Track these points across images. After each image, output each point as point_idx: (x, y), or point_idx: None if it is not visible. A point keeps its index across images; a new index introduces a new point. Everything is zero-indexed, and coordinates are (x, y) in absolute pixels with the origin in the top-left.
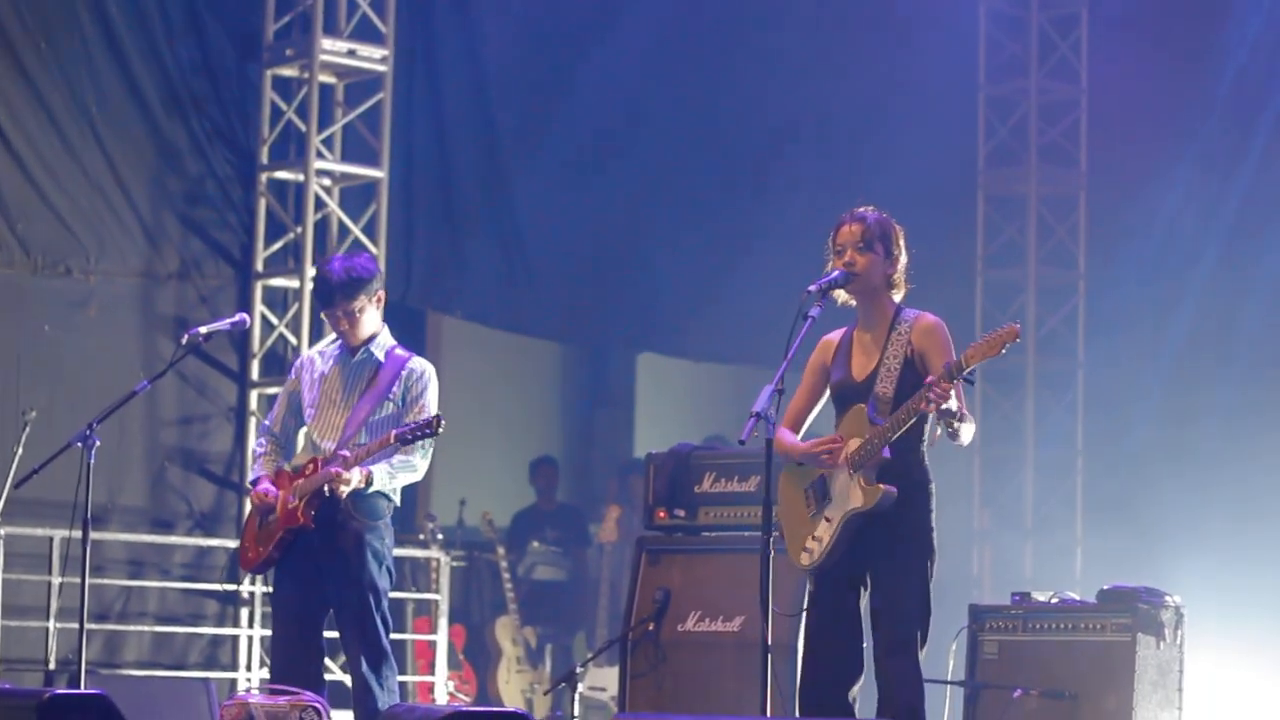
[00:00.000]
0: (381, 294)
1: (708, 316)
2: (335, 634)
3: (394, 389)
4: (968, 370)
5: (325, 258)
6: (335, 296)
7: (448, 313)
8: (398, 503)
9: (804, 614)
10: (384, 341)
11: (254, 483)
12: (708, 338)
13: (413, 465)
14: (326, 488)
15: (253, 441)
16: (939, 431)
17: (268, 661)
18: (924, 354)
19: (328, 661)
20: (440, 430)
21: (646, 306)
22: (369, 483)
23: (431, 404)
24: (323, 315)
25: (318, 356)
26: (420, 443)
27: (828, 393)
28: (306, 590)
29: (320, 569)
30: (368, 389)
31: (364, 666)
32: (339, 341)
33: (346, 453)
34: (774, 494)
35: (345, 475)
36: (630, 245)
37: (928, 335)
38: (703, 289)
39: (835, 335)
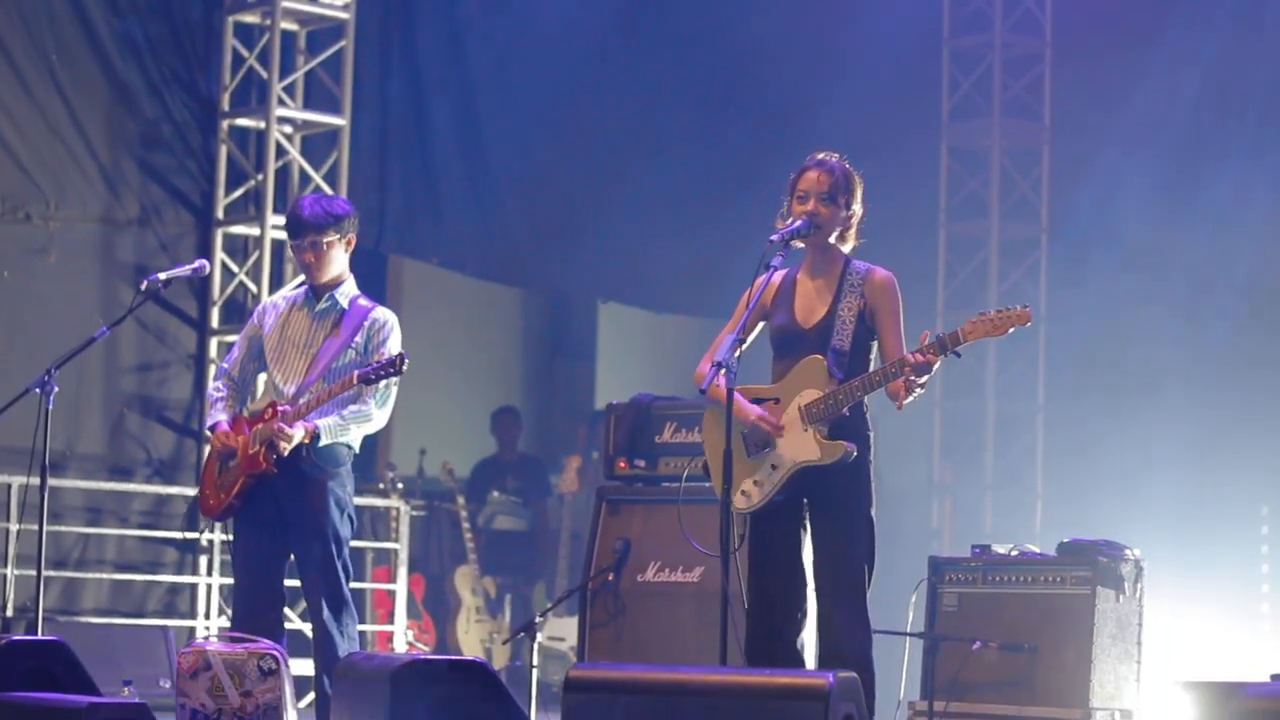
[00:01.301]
0: (352, 238)
1: (670, 267)
2: (296, 582)
3: (356, 338)
4: (963, 345)
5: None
6: (305, 228)
7: (422, 259)
8: (356, 449)
9: (735, 555)
10: (349, 290)
11: (212, 428)
12: (670, 288)
13: (367, 415)
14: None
15: (210, 385)
16: (903, 393)
17: (227, 610)
18: (875, 310)
19: (288, 611)
20: (404, 369)
21: (610, 256)
22: (315, 437)
23: (393, 353)
24: (290, 248)
25: (281, 300)
26: (378, 392)
27: (757, 330)
28: (268, 538)
29: (283, 516)
30: (330, 336)
31: (325, 614)
32: (303, 288)
33: (287, 407)
34: (719, 440)
35: (287, 430)
36: (595, 194)
37: (882, 291)
38: (666, 239)
39: (776, 276)
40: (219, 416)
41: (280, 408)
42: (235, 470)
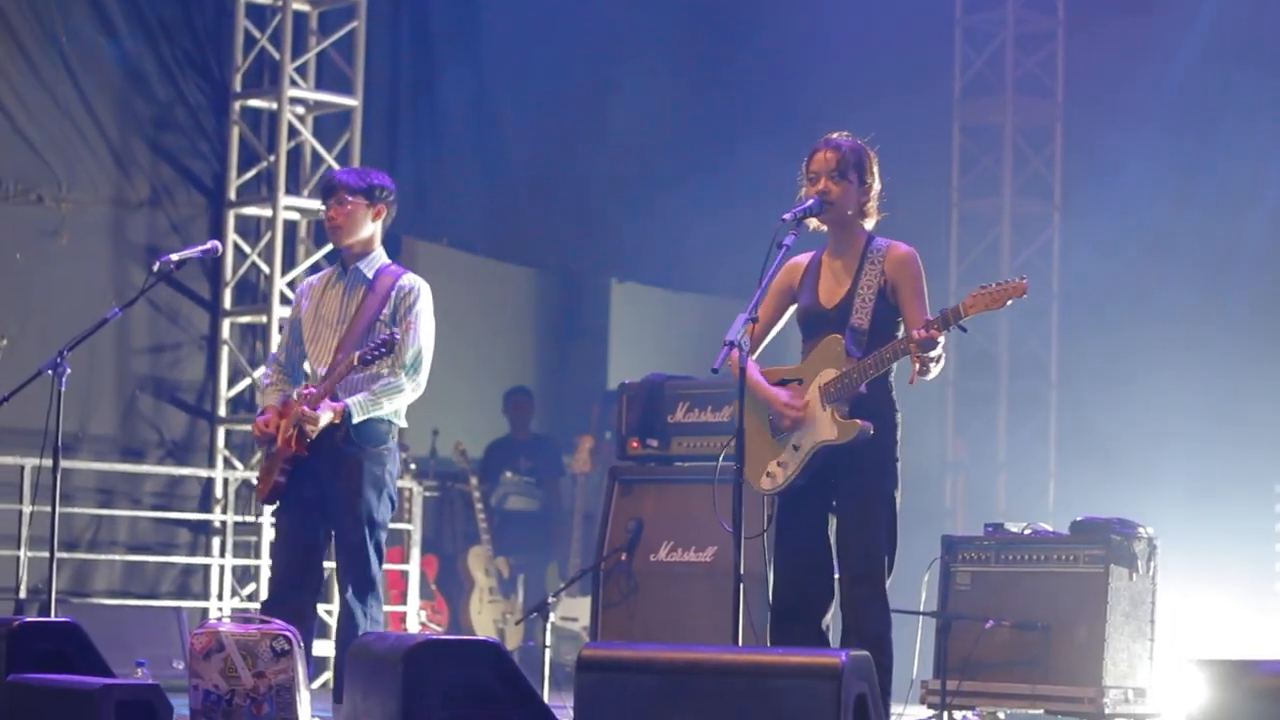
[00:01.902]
0: (383, 210)
1: (684, 246)
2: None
3: (384, 310)
4: (965, 319)
5: None
6: (335, 187)
7: (434, 240)
8: (401, 424)
9: (765, 538)
10: (375, 260)
11: (262, 414)
12: (683, 267)
13: (398, 386)
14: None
15: (260, 373)
16: (917, 368)
17: (240, 591)
18: (896, 285)
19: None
20: (395, 350)
21: (623, 235)
22: (345, 416)
23: (420, 322)
24: (322, 213)
25: (316, 280)
26: (407, 361)
27: (788, 315)
28: (306, 520)
29: (324, 496)
30: (358, 312)
31: (350, 594)
32: (336, 265)
33: (313, 389)
34: (748, 420)
35: (310, 414)
36: (609, 173)
37: (902, 266)
38: (680, 218)
39: (803, 259)
40: (267, 402)
41: (306, 390)
42: (276, 454)
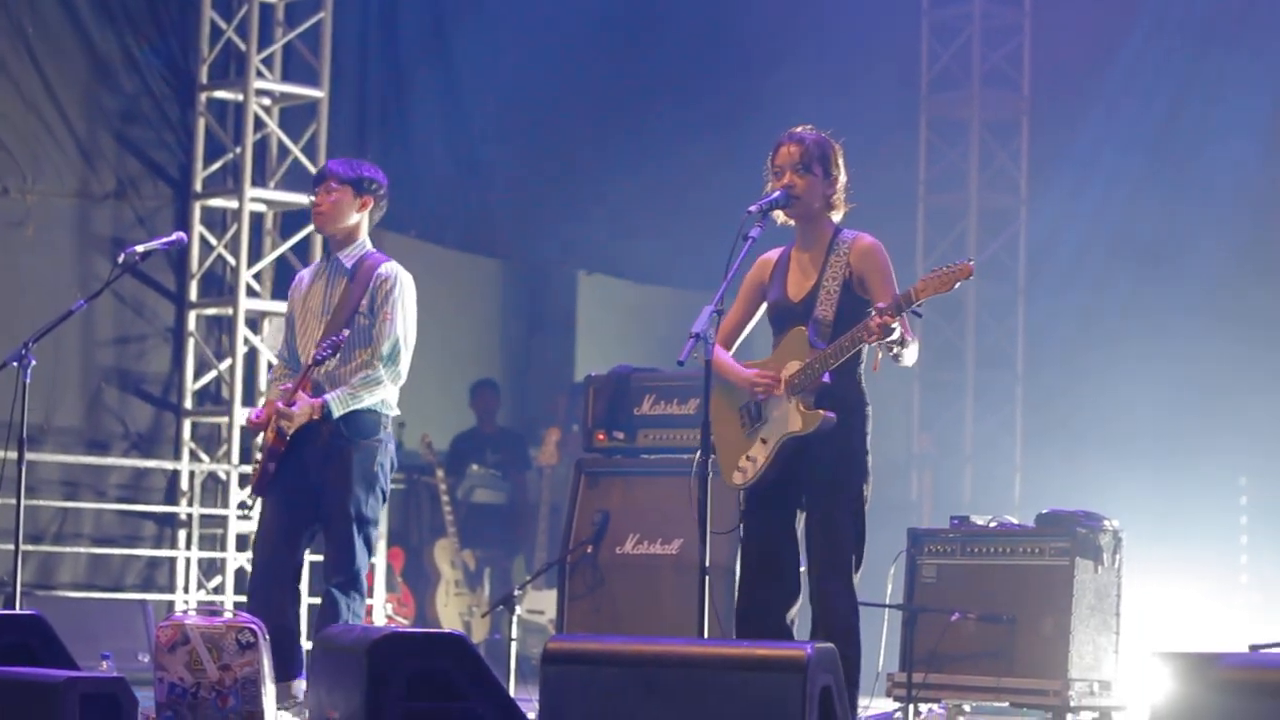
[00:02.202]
0: (369, 202)
1: (652, 238)
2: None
3: (363, 300)
4: (917, 304)
5: None
6: (323, 174)
7: (401, 232)
8: (393, 413)
9: (739, 531)
10: (358, 250)
11: (256, 410)
12: (651, 259)
13: (376, 379)
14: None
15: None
16: (880, 355)
17: (206, 584)
18: (862, 276)
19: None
20: (338, 351)
21: (590, 227)
22: (324, 413)
23: (399, 312)
24: (309, 200)
25: (306, 273)
26: (384, 351)
27: (762, 310)
28: (289, 513)
29: (314, 489)
30: (340, 302)
31: (334, 586)
32: (324, 257)
33: (289, 385)
34: (719, 414)
35: (285, 410)
36: (576, 165)
37: (866, 257)
38: (647, 211)
39: (773, 254)
40: (269, 396)
41: (284, 386)
42: (263, 449)
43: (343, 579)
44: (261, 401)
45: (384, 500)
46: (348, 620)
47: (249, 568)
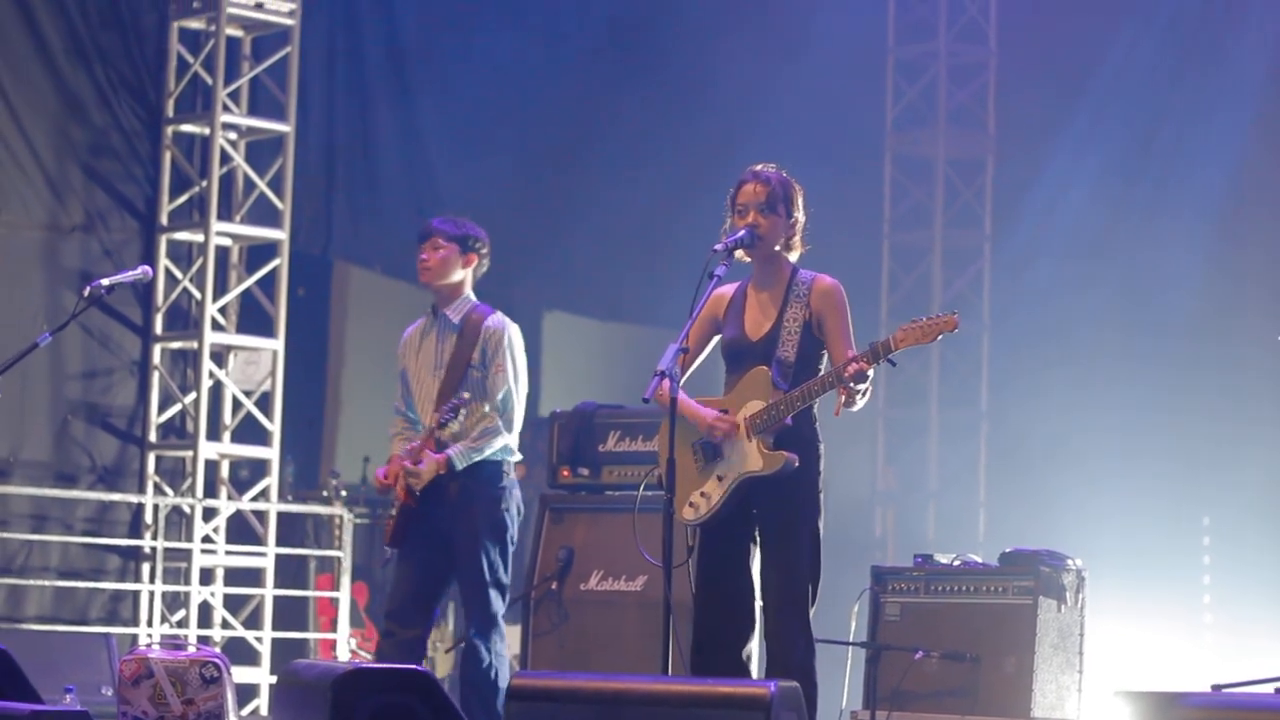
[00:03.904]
0: (473, 259)
1: (615, 276)
2: None
3: (474, 354)
4: (894, 353)
5: None
6: (430, 230)
7: (367, 267)
8: (514, 458)
9: (687, 565)
10: (463, 305)
11: (380, 468)
12: (614, 297)
13: (495, 429)
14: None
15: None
16: (841, 400)
17: (170, 617)
18: (822, 318)
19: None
20: (465, 408)
21: (554, 264)
22: (448, 468)
23: (509, 363)
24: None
25: (412, 331)
26: (499, 401)
27: (712, 345)
28: (423, 563)
29: (446, 540)
30: (452, 358)
31: (474, 632)
32: (429, 313)
33: (416, 442)
34: (669, 452)
35: (413, 469)
36: (540, 203)
37: (825, 298)
38: (610, 248)
39: (728, 289)
40: (392, 452)
41: (410, 446)
42: (396, 504)
43: (481, 625)
44: (389, 454)
45: (513, 544)
46: (493, 664)
47: (211, 602)
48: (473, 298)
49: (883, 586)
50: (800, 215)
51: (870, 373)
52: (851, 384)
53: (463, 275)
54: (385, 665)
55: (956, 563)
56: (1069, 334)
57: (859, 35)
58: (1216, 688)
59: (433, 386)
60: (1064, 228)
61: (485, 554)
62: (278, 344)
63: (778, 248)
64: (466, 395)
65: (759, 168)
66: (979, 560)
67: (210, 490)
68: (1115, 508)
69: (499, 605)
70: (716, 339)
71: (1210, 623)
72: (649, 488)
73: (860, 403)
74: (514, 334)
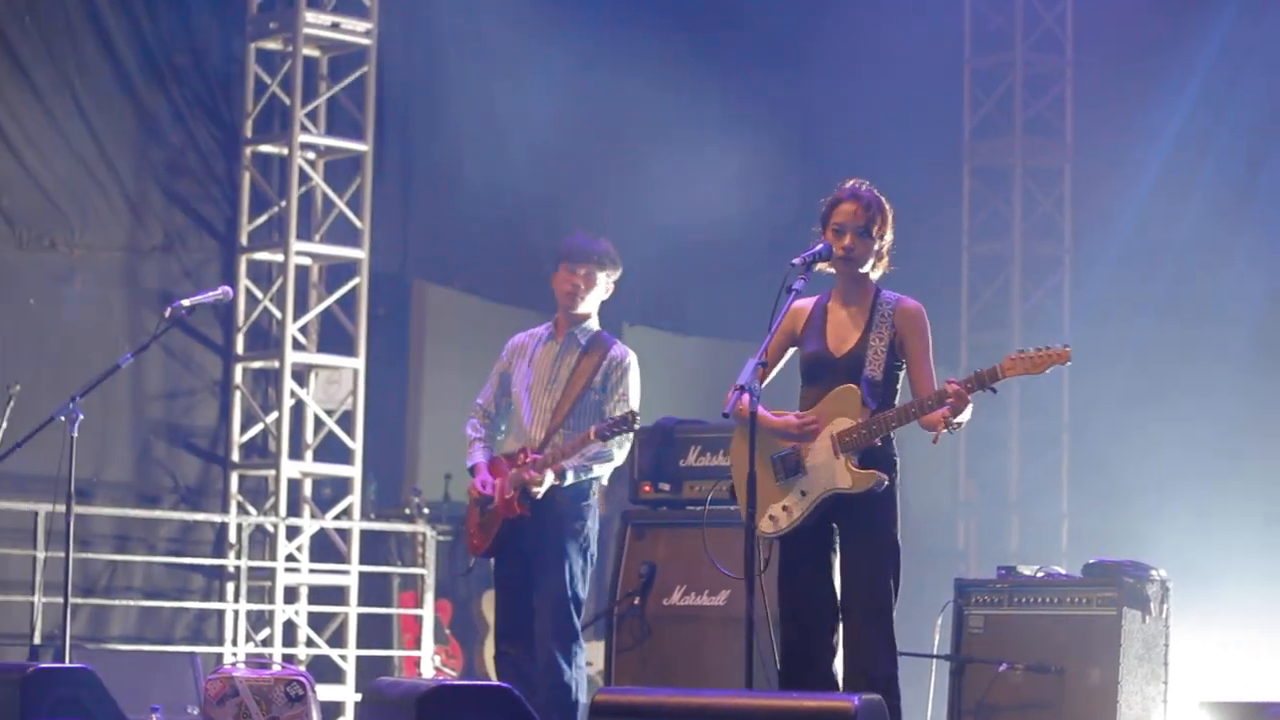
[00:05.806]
0: (612, 288)
1: (695, 290)
2: None
3: (595, 378)
4: (999, 381)
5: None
6: (589, 255)
7: (445, 285)
8: (603, 481)
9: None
10: (590, 327)
11: (471, 469)
12: (695, 311)
13: (609, 455)
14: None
15: (466, 424)
16: (942, 430)
17: (255, 636)
18: (904, 339)
19: (318, 639)
20: (636, 426)
21: (635, 278)
22: (561, 479)
23: (631, 393)
24: (552, 278)
25: (529, 338)
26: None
27: (787, 357)
28: (522, 568)
29: (530, 551)
30: (572, 377)
31: (554, 645)
32: (546, 325)
33: (538, 455)
34: (745, 463)
35: (538, 477)
36: (620, 217)
37: (910, 321)
38: (691, 262)
39: (806, 303)
40: (477, 458)
41: (532, 456)
42: (494, 514)
43: (561, 638)
44: (468, 462)
45: (592, 563)
46: (574, 676)
47: (295, 620)
48: (597, 322)
49: (966, 599)
50: (890, 236)
51: (970, 402)
52: (955, 406)
53: (602, 299)
54: (470, 683)
55: (1040, 574)
56: (1151, 342)
57: (935, 46)
58: None
59: (547, 402)
60: (1143, 235)
61: (569, 568)
62: (358, 362)
63: (865, 267)
64: (634, 412)
65: (853, 184)
66: (1062, 571)
67: (293, 509)
68: (1199, 517)
69: (577, 619)
70: (792, 352)
71: None
72: (716, 501)
73: (954, 429)
74: (635, 366)
